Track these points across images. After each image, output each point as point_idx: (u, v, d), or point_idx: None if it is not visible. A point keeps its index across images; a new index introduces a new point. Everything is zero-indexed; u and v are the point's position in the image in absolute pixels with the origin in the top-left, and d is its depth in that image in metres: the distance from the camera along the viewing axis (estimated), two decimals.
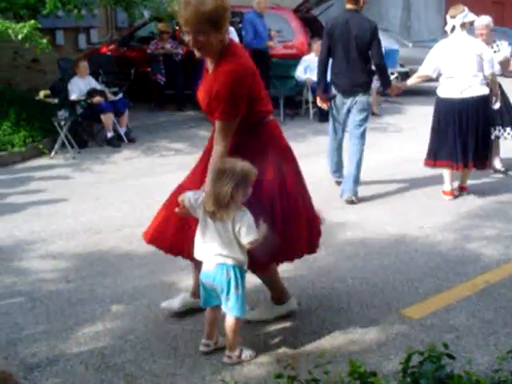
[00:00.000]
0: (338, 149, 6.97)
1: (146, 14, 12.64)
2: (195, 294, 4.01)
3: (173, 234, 3.81)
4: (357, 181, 6.61)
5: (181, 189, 3.80)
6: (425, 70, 6.77)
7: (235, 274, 3.42)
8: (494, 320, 3.99)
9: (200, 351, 3.66)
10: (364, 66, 6.64)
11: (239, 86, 3.41)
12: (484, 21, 7.23)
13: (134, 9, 11.29)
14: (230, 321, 3.52)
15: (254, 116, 3.61)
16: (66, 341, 3.86)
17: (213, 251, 3.42)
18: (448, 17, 6.58)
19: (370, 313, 4.13)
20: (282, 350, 3.69)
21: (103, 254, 5.27)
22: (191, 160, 8.48)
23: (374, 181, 7.36)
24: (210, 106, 3.59)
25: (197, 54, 3.47)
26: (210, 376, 3.46)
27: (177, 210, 3.59)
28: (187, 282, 4.66)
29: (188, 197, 3.51)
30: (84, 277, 4.82)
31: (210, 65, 3.58)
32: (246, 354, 3.60)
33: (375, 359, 3.56)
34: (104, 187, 7.37)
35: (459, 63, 6.45)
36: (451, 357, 3.13)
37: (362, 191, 6.86)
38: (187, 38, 3.41)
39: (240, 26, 12.39)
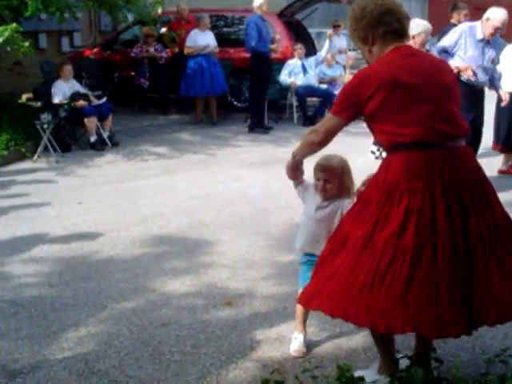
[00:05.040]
0: None
1: (130, 17, 12.59)
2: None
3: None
4: None
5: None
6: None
7: None
8: None
9: None
10: None
11: (349, 86, 3.05)
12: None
13: (118, 12, 11.24)
14: None
15: (383, 137, 3.05)
16: (49, 346, 3.81)
17: None
18: None
19: None
20: (269, 355, 3.67)
21: (86, 259, 5.22)
22: (174, 164, 8.61)
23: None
24: None
25: None
26: (196, 381, 3.42)
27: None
28: (171, 286, 4.65)
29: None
30: (67, 281, 4.77)
31: None
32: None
33: (362, 363, 3.54)
34: (87, 191, 7.31)
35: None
36: (439, 361, 3.13)
37: None
38: None
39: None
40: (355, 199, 3.32)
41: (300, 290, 3.51)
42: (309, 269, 3.51)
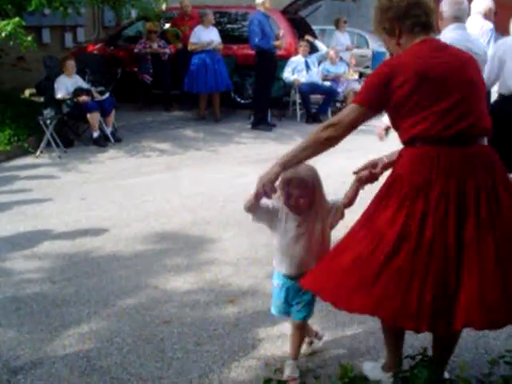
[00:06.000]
0: None
1: (134, 13, 12.58)
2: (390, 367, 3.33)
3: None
4: None
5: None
6: None
7: None
8: None
9: None
10: None
11: (377, 74, 2.96)
12: None
13: (122, 8, 11.23)
14: None
15: (402, 133, 3.00)
16: (51, 343, 3.80)
17: None
18: None
19: (359, 316, 4.08)
20: (271, 353, 3.65)
21: (89, 255, 5.21)
22: (177, 160, 8.60)
23: None
24: None
25: None
26: (198, 379, 3.41)
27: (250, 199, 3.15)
28: (173, 283, 4.63)
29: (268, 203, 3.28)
30: (69, 278, 4.76)
31: None
32: None
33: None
34: (90, 187, 7.29)
35: None
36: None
37: None
38: None
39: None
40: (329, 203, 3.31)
41: (274, 312, 3.50)
42: (284, 293, 3.39)
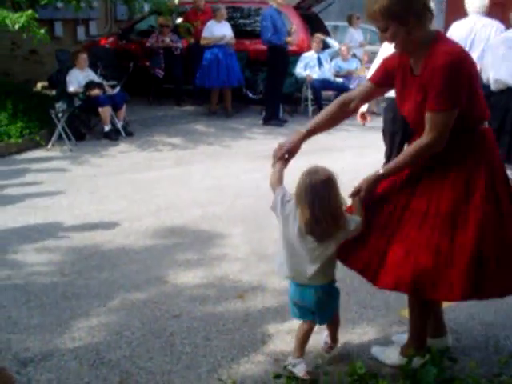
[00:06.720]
0: None
1: (146, 7, 12.58)
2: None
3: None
4: None
5: None
6: None
7: None
8: (493, 322, 3.96)
9: None
10: None
11: (457, 70, 2.87)
12: None
13: (134, 2, 11.24)
14: None
15: (466, 120, 3.01)
16: (61, 335, 3.81)
17: None
18: None
19: (369, 313, 4.09)
20: (280, 349, 3.65)
21: (99, 248, 5.22)
22: (188, 155, 8.61)
23: None
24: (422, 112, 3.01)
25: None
26: (207, 374, 3.41)
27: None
28: (183, 277, 4.63)
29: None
30: (79, 271, 4.77)
31: (413, 64, 3.10)
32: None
33: (375, 360, 3.51)
34: (101, 180, 7.31)
35: None
36: (452, 360, 3.10)
37: None
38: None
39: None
40: None
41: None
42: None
